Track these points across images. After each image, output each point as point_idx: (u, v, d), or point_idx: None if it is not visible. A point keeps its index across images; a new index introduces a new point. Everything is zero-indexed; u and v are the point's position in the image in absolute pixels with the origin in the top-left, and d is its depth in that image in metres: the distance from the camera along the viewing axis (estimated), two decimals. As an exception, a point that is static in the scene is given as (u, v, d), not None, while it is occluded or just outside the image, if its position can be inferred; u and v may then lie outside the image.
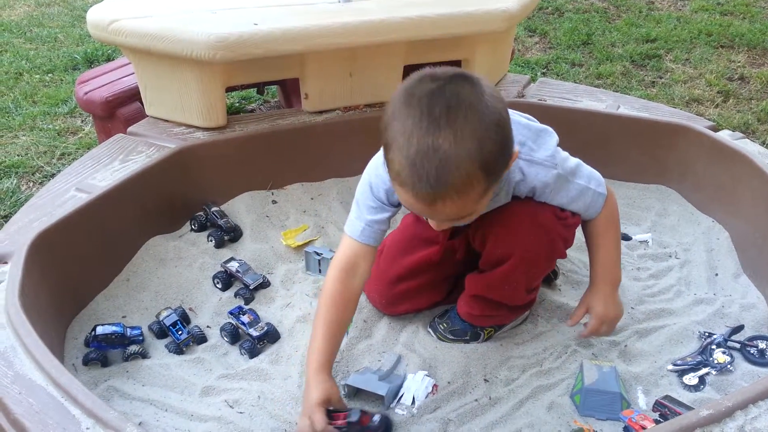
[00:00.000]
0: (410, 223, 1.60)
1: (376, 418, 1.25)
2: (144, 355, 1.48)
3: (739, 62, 3.47)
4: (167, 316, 1.54)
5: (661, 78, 3.30)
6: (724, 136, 1.99)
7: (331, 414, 1.23)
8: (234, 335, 1.53)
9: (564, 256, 1.51)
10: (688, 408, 1.29)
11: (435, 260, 1.54)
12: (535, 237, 1.37)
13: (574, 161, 1.37)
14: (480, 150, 1.06)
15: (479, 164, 1.07)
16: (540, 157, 1.30)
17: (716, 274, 1.77)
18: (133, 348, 1.47)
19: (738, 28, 3.89)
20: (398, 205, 1.36)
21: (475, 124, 1.06)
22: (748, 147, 1.92)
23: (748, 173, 1.84)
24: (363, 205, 1.37)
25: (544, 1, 4.29)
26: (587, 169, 1.39)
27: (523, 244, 1.38)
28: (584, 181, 1.37)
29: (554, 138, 1.34)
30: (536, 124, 1.36)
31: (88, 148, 2.39)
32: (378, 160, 1.35)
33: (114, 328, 1.47)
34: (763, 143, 2.58)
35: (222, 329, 1.55)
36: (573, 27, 3.86)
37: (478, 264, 1.50)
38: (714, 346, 1.49)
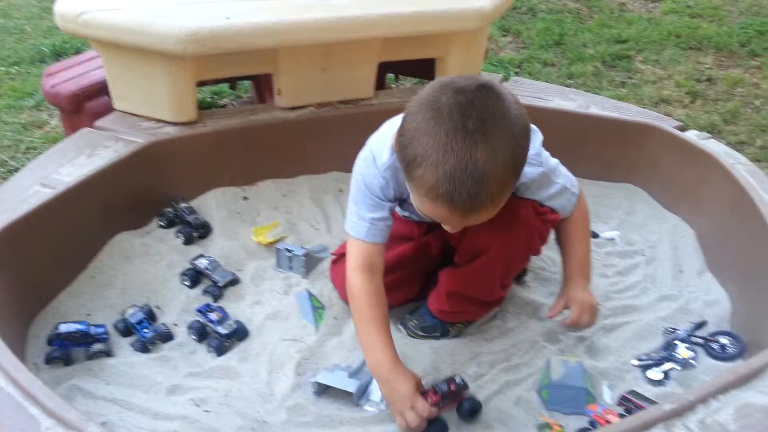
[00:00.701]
0: None
1: (458, 379, 1.31)
2: (108, 353, 1.45)
3: (706, 64, 3.54)
4: (133, 314, 1.51)
5: (631, 78, 3.34)
6: (692, 136, 2.02)
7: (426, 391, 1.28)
8: (201, 333, 1.51)
9: (539, 252, 1.52)
10: (652, 402, 1.32)
11: (409, 256, 1.54)
12: (514, 230, 1.38)
13: (554, 161, 1.41)
14: (513, 159, 1.11)
15: (513, 172, 1.12)
16: (528, 154, 1.30)
17: (681, 272, 1.80)
18: (98, 346, 1.44)
19: (706, 31, 3.96)
20: (395, 200, 1.37)
21: (508, 135, 1.09)
22: (714, 147, 1.96)
23: (713, 173, 1.88)
24: (362, 205, 1.36)
25: (517, 1, 4.32)
26: (564, 169, 1.44)
27: (503, 237, 1.38)
28: (562, 181, 1.42)
29: (539, 137, 1.35)
30: None
31: (54, 143, 2.34)
32: (368, 158, 1.34)
33: (78, 326, 1.44)
34: (728, 143, 2.62)
35: (189, 327, 1.53)
36: (546, 27, 3.89)
37: (451, 261, 1.51)
38: (678, 342, 1.52)
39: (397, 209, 1.49)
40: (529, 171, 1.30)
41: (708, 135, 2.05)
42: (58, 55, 3.21)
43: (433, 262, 1.57)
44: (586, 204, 1.51)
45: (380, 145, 1.33)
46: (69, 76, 2.26)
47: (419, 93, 1.14)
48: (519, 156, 1.12)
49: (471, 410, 1.32)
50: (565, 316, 1.47)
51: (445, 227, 1.23)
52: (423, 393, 1.27)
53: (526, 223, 1.40)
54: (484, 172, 1.06)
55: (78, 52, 3.17)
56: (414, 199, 1.18)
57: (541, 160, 1.35)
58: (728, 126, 2.87)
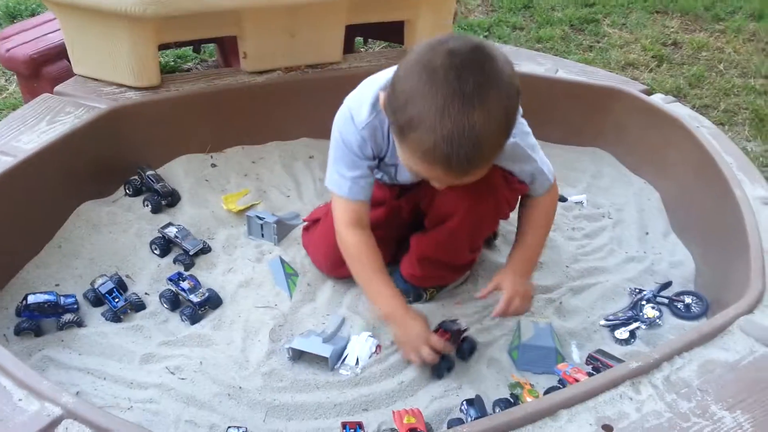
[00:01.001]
0: None
1: (460, 321, 1.43)
2: (79, 323, 1.43)
3: (672, 28, 3.57)
4: (102, 284, 1.49)
5: (598, 42, 3.36)
6: (657, 99, 2.05)
7: (435, 330, 1.39)
8: (174, 302, 1.50)
9: (507, 217, 1.54)
10: (619, 361, 1.35)
11: (382, 220, 1.54)
12: (483, 196, 1.39)
13: (533, 140, 1.40)
14: (507, 120, 1.12)
15: (505, 133, 1.14)
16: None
17: (647, 233, 1.85)
18: (68, 317, 1.42)
19: (672, -6, 3.98)
20: (373, 159, 1.37)
21: (503, 98, 1.09)
22: (679, 110, 1.99)
23: (678, 136, 1.91)
24: (341, 162, 1.36)
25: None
26: (542, 153, 1.44)
27: (469, 201, 1.39)
28: (539, 160, 1.41)
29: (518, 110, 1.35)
30: None
31: (13, 109, 2.27)
32: (345, 116, 1.34)
33: (46, 297, 1.42)
34: (693, 107, 2.67)
35: (161, 296, 1.51)
36: (515, -11, 3.87)
37: (422, 226, 1.51)
38: (644, 302, 1.57)
39: None
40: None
41: (673, 99, 2.08)
42: (13, 17, 3.08)
43: (404, 226, 1.58)
44: (555, 200, 1.51)
45: (359, 103, 1.32)
46: (25, 39, 2.18)
47: (410, 53, 1.13)
48: (511, 116, 1.13)
49: (470, 349, 1.42)
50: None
51: (434, 184, 1.24)
52: (435, 330, 1.39)
53: (495, 191, 1.40)
54: (480, 136, 1.06)
55: (34, 13, 3.05)
56: (406, 159, 1.18)
57: (514, 132, 1.33)
58: (693, 90, 2.91)
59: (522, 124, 1.37)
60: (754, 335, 1.23)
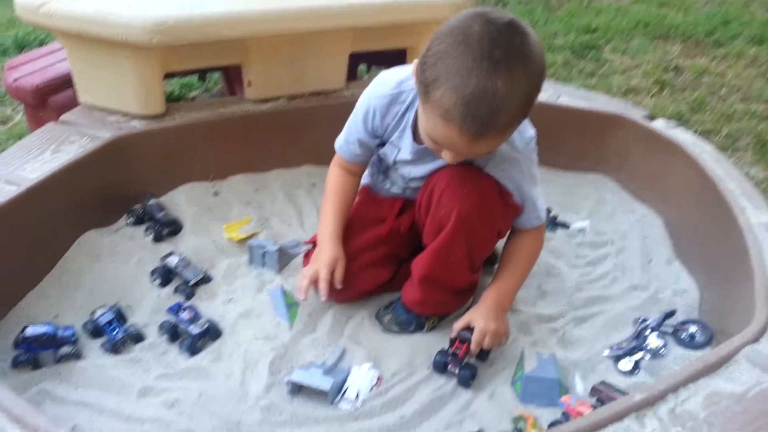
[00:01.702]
0: (361, 204, 1.62)
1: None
2: (78, 355, 1.42)
3: (674, 53, 3.59)
4: (102, 315, 1.48)
5: (600, 68, 3.38)
6: (659, 125, 2.05)
7: (452, 342, 1.43)
8: (173, 333, 1.49)
9: (503, 235, 1.53)
10: (624, 393, 1.34)
11: (383, 236, 1.56)
12: (472, 200, 1.39)
13: (536, 172, 1.46)
14: (528, 96, 1.16)
15: (524, 107, 1.18)
16: (513, 135, 1.34)
17: (650, 261, 1.83)
18: (66, 349, 1.41)
19: (673, 20, 4.02)
20: (371, 133, 1.47)
21: (528, 72, 1.14)
22: (682, 136, 1.99)
23: (681, 162, 1.91)
24: (350, 122, 1.51)
25: (488, -10, 4.33)
26: (541, 191, 1.49)
27: (460, 205, 1.39)
28: (535, 191, 1.46)
29: (532, 131, 1.42)
30: None
31: (19, 138, 2.28)
32: (375, 81, 1.45)
33: (45, 329, 1.41)
34: (695, 132, 2.67)
35: (160, 327, 1.50)
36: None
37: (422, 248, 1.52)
38: (648, 331, 1.55)
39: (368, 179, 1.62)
40: (505, 149, 1.36)
41: (675, 124, 2.08)
42: (21, 47, 3.13)
43: (405, 245, 1.59)
44: (541, 240, 1.54)
45: (382, 81, 1.44)
46: (32, 69, 2.21)
47: (450, 20, 1.18)
48: (533, 94, 1.17)
49: (487, 352, 1.46)
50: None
51: (446, 157, 1.27)
52: (451, 343, 1.43)
53: (485, 196, 1.40)
54: (501, 101, 1.11)
55: (42, 43, 3.10)
56: (425, 122, 1.23)
57: (520, 149, 1.39)
58: (695, 115, 2.92)
59: (532, 152, 1.43)
60: (760, 365, 1.22)
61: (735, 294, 1.53)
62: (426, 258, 1.48)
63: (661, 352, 1.50)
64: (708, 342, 1.52)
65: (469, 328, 1.42)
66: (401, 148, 1.45)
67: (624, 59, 3.47)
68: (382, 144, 1.49)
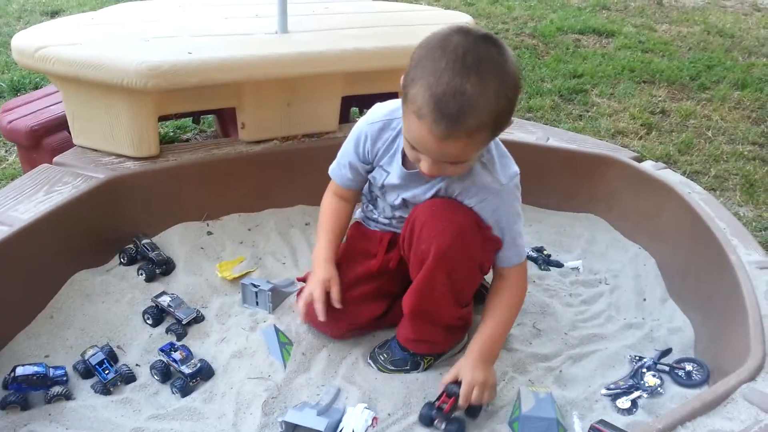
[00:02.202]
0: (352, 238, 1.63)
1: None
2: (68, 396, 1.40)
3: (660, 97, 3.67)
4: (93, 355, 1.46)
5: (587, 111, 3.44)
6: (648, 166, 2.08)
7: (440, 396, 1.39)
8: (165, 373, 1.47)
9: (486, 271, 1.51)
10: None
11: (374, 271, 1.57)
12: (450, 235, 1.39)
13: (520, 210, 1.47)
14: (497, 103, 1.19)
15: (493, 116, 1.20)
16: (496, 168, 1.39)
17: (644, 299, 1.84)
18: (57, 389, 1.38)
19: (658, 65, 4.12)
20: (362, 159, 1.51)
21: (499, 81, 1.19)
22: (670, 177, 2.02)
23: (670, 202, 1.94)
24: (343, 150, 1.56)
25: (477, 37, 4.43)
26: (522, 230, 1.49)
27: (438, 240, 1.40)
28: (516, 228, 1.46)
29: (515, 168, 1.45)
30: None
31: (11, 179, 2.29)
32: (364, 116, 1.50)
33: (35, 369, 1.39)
34: (684, 173, 2.71)
35: (152, 367, 1.48)
36: (505, 61, 3.99)
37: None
38: (644, 370, 1.54)
39: (367, 211, 1.62)
40: (488, 179, 1.39)
41: (664, 165, 2.12)
42: (17, 90, 3.16)
43: (395, 280, 1.58)
44: (524, 281, 1.51)
45: (378, 109, 1.50)
46: (27, 112, 2.22)
47: (434, 31, 1.24)
48: (502, 103, 1.20)
49: (478, 409, 1.42)
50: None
51: (423, 167, 1.28)
52: (438, 397, 1.39)
53: (463, 229, 1.39)
54: (469, 102, 1.16)
55: (37, 87, 3.13)
56: (405, 127, 1.28)
57: (503, 182, 1.40)
58: (683, 156, 2.97)
59: (516, 188, 1.44)
60: (757, 404, 1.21)
61: (729, 332, 1.53)
62: (411, 293, 1.49)
63: (658, 390, 1.49)
64: (705, 380, 1.51)
65: (456, 382, 1.38)
66: (390, 172, 1.48)
67: (611, 103, 3.54)
68: (372, 169, 1.52)
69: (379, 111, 1.48)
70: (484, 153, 1.39)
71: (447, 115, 1.16)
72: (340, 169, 1.57)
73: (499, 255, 1.46)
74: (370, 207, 1.64)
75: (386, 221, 1.60)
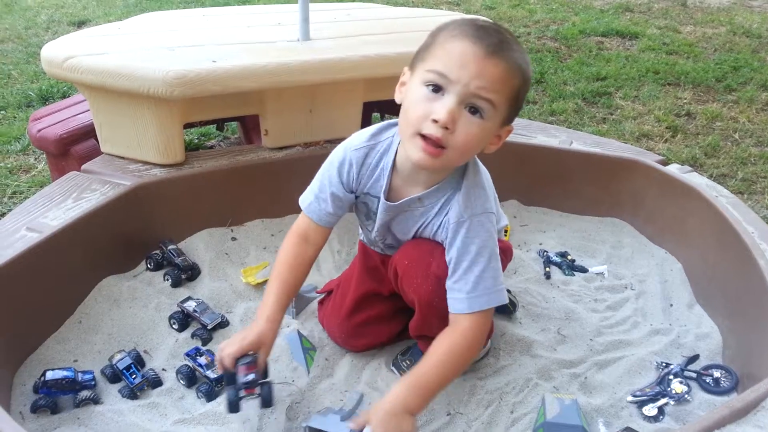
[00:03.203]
0: (361, 257, 1.61)
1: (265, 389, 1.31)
2: (96, 400, 1.42)
3: (685, 99, 3.62)
4: (120, 360, 1.49)
5: (611, 114, 3.41)
6: (673, 169, 2.06)
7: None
8: (190, 378, 1.49)
9: None
10: (649, 439, 1.31)
11: (385, 294, 1.55)
12: (427, 287, 1.37)
13: (486, 253, 1.29)
14: (527, 65, 1.19)
15: (526, 74, 1.19)
16: (462, 200, 1.30)
17: (671, 305, 1.81)
18: (85, 393, 1.41)
19: (683, 67, 4.07)
20: (346, 188, 1.39)
21: (524, 56, 1.19)
22: (696, 180, 1.99)
23: (697, 205, 1.91)
24: (317, 181, 1.43)
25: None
26: (495, 274, 1.30)
27: (419, 294, 1.39)
28: (477, 270, 1.28)
29: (489, 204, 1.32)
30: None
31: (41, 187, 2.33)
32: (341, 144, 1.40)
33: (65, 373, 1.41)
34: (710, 176, 2.67)
35: (178, 372, 1.50)
36: (527, 65, 3.97)
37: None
38: (671, 376, 1.52)
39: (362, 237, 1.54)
40: (458, 208, 1.29)
41: (690, 168, 2.09)
42: (45, 99, 3.22)
43: (391, 302, 1.55)
44: (479, 339, 1.30)
45: (357, 135, 1.40)
46: (55, 120, 2.27)
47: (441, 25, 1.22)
48: (528, 73, 1.20)
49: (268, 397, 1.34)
50: None
51: (440, 109, 1.15)
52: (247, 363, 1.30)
53: (439, 281, 1.33)
54: (507, 39, 1.17)
55: (65, 96, 3.19)
56: (433, 56, 1.18)
57: (472, 213, 1.29)
58: (709, 159, 2.92)
59: (484, 225, 1.30)
60: (789, 412, 1.19)
61: (758, 338, 1.50)
62: (414, 325, 1.48)
63: (685, 397, 1.47)
64: (733, 387, 1.48)
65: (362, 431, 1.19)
66: (379, 197, 1.38)
67: (635, 105, 3.50)
68: (356, 198, 1.42)
69: (360, 137, 1.38)
70: (466, 175, 1.31)
71: (492, 36, 1.14)
72: (318, 203, 1.41)
73: (449, 297, 1.30)
74: (362, 232, 1.56)
75: (380, 249, 1.53)
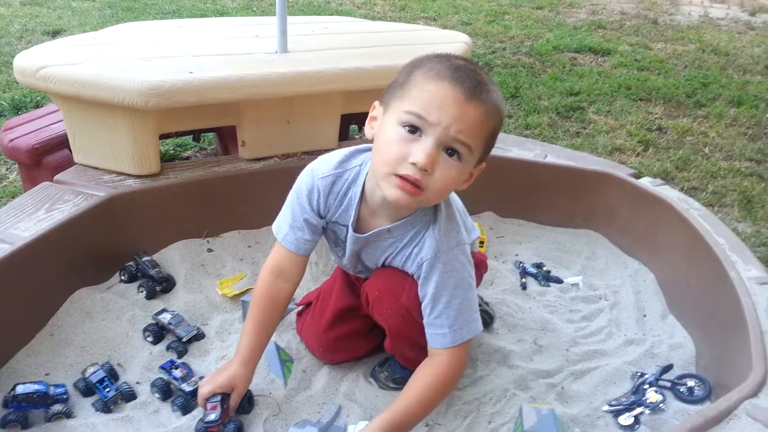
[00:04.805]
0: (340, 271, 1.60)
1: (230, 427, 1.34)
2: (68, 414, 1.39)
3: (656, 114, 3.70)
4: (93, 373, 1.46)
5: (585, 129, 3.47)
6: (646, 182, 2.09)
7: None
8: (165, 391, 1.46)
9: None
10: (624, 448, 1.32)
11: (363, 308, 1.53)
12: (396, 316, 1.38)
13: (461, 286, 1.30)
14: (502, 104, 1.20)
15: (501, 113, 1.20)
16: (436, 234, 1.29)
17: (644, 315, 1.84)
18: (57, 407, 1.38)
19: (654, 83, 4.16)
20: (316, 213, 1.37)
21: (499, 97, 1.19)
22: (668, 193, 2.03)
23: (669, 218, 1.94)
24: (289, 210, 1.40)
25: (473, 56, 4.48)
26: (475, 302, 1.33)
27: (388, 324, 1.41)
28: (453, 306, 1.29)
29: (461, 236, 1.32)
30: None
31: (13, 197, 2.29)
32: (307, 170, 1.38)
33: (36, 387, 1.38)
34: (681, 189, 2.73)
35: (153, 385, 1.48)
36: (502, 81, 4.03)
37: None
38: (646, 386, 1.54)
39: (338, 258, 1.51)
40: (431, 244, 1.28)
41: (662, 181, 2.13)
42: (18, 108, 3.17)
43: (370, 318, 1.53)
44: (456, 371, 1.31)
45: (325, 160, 1.38)
46: (28, 130, 2.23)
47: (414, 60, 1.22)
48: (503, 113, 1.21)
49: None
50: None
51: (419, 153, 1.14)
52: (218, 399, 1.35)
53: (410, 310, 1.34)
54: (485, 81, 1.16)
55: (38, 105, 3.14)
56: (409, 96, 1.16)
57: (448, 246, 1.28)
58: (680, 173, 2.98)
59: (459, 260, 1.30)
60: (762, 420, 1.21)
61: (730, 348, 1.53)
62: (387, 347, 1.50)
63: (660, 406, 1.48)
64: (707, 396, 1.51)
65: None
66: (348, 226, 1.37)
67: (608, 120, 3.57)
68: (326, 225, 1.41)
69: (327, 164, 1.36)
70: (438, 208, 1.31)
71: (470, 78, 1.14)
72: (294, 233, 1.38)
73: (430, 332, 1.31)
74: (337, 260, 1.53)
75: (352, 272, 1.53)
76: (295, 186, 1.39)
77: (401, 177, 1.16)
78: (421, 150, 1.14)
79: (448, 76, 1.13)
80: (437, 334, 1.30)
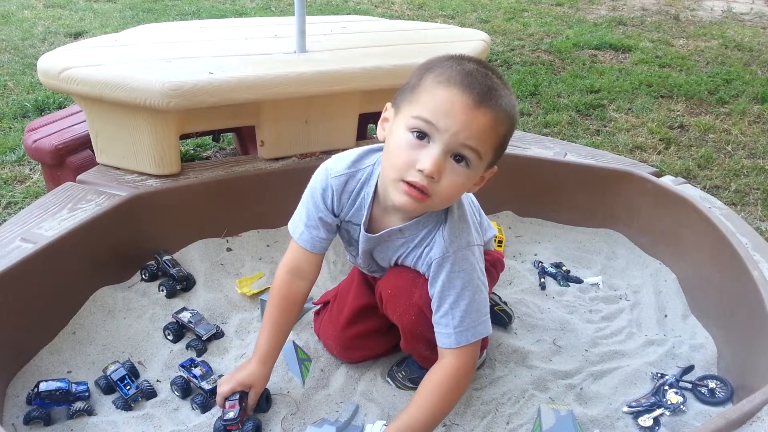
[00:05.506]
0: (358, 269, 1.60)
1: (248, 425, 1.36)
2: (90, 412, 1.41)
3: (678, 111, 3.65)
4: (115, 371, 1.48)
5: (605, 126, 3.43)
6: (667, 181, 2.07)
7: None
8: (185, 389, 1.48)
9: None
10: (644, 450, 1.31)
11: (381, 311, 1.53)
12: (409, 315, 1.38)
13: (470, 288, 1.29)
14: (515, 108, 1.18)
15: (514, 118, 1.18)
16: (446, 235, 1.29)
17: (665, 316, 1.82)
18: (79, 405, 1.40)
19: (676, 80, 4.10)
20: (330, 212, 1.37)
21: (512, 101, 1.18)
22: (690, 191, 2.01)
23: (690, 217, 1.92)
24: (304, 209, 1.41)
25: (492, 54, 4.45)
26: (485, 305, 1.32)
27: (402, 322, 1.41)
28: (461, 306, 1.28)
29: (472, 238, 1.31)
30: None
31: (36, 197, 2.32)
32: (321, 169, 1.38)
33: (58, 384, 1.40)
34: (703, 188, 2.69)
35: (173, 383, 1.49)
36: (521, 78, 4.00)
37: None
38: (666, 387, 1.52)
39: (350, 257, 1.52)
40: (441, 246, 1.28)
41: (683, 180, 2.10)
42: (41, 110, 3.22)
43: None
44: (468, 372, 1.31)
45: (339, 159, 1.38)
46: (51, 131, 2.26)
47: (426, 62, 1.21)
48: (515, 117, 1.19)
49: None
50: None
51: (426, 160, 1.14)
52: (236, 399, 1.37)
53: (420, 312, 1.35)
54: (496, 86, 1.15)
55: (61, 106, 3.19)
56: (419, 101, 1.16)
57: (454, 248, 1.28)
58: (702, 171, 2.94)
59: (468, 260, 1.29)
60: (784, 422, 1.19)
61: (753, 349, 1.51)
62: (403, 346, 1.50)
63: (681, 408, 1.47)
64: (729, 398, 1.49)
65: None
66: (360, 225, 1.37)
67: (629, 118, 3.53)
68: (340, 223, 1.41)
69: (340, 163, 1.36)
70: (450, 209, 1.30)
71: (480, 84, 1.12)
72: (309, 231, 1.39)
73: (437, 331, 1.31)
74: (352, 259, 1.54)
75: (366, 271, 1.53)
76: (309, 185, 1.40)
77: (408, 183, 1.17)
78: (428, 157, 1.14)
79: (457, 82, 1.13)
80: (442, 333, 1.30)
